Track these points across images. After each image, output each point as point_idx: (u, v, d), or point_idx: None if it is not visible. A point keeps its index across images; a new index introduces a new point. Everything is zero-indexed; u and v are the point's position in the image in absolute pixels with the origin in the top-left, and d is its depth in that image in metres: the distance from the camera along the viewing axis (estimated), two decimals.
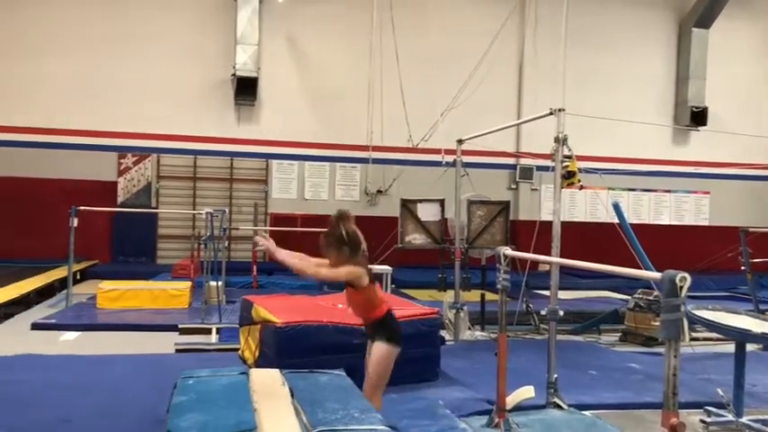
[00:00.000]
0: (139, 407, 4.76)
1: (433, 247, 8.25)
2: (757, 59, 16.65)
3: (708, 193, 16.61)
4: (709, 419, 4.89)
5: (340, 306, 6.16)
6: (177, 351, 6.97)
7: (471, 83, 12.38)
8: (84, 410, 4.69)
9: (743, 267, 8.10)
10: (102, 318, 8.57)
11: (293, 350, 5.18)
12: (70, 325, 8.05)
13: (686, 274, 2.83)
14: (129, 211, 13.26)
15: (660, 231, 15.57)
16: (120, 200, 14.03)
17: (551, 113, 5.34)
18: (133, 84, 13.81)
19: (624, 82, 15.60)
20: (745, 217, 15.07)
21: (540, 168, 14.58)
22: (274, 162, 14.64)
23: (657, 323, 7.19)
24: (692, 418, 4.89)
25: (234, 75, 13.83)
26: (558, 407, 5.02)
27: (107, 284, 9.38)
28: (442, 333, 6.99)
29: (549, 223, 5.35)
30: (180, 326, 8.03)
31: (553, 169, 5.35)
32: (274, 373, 4.18)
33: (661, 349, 5.46)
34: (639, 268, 5.91)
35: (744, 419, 4.78)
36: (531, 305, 8.63)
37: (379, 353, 4.03)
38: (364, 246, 4.05)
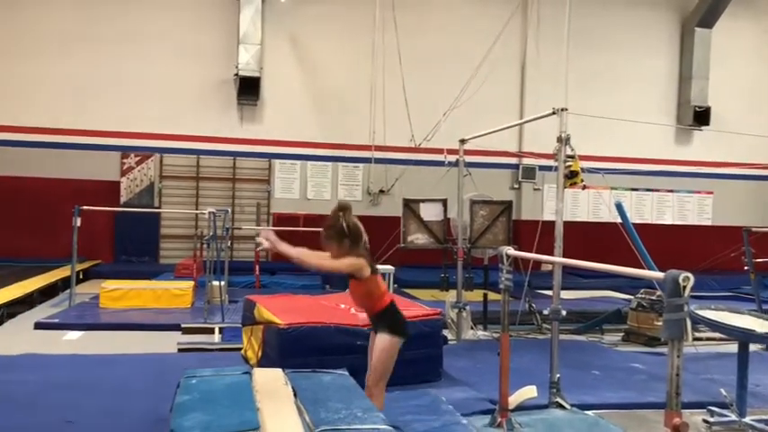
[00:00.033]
0: (142, 406, 4.77)
1: (435, 246, 8.26)
2: (760, 59, 16.62)
3: (711, 192, 16.58)
4: (712, 419, 4.88)
5: (342, 306, 6.17)
6: (180, 351, 6.97)
7: (474, 82, 12.38)
8: (88, 410, 4.70)
9: (746, 267, 8.09)
10: (104, 317, 8.58)
11: (296, 351, 5.18)
12: (73, 324, 8.06)
13: (689, 274, 2.82)
14: (132, 211, 13.27)
15: (663, 231, 15.55)
16: (122, 199, 14.04)
17: (554, 113, 5.34)
18: (136, 84, 13.83)
19: (627, 82, 15.58)
20: (748, 217, 15.04)
21: (542, 168, 14.58)
22: (277, 162, 14.65)
23: (660, 323, 7.16)
24: (695, 417, 4.88)
25: (236, 74, 13.84)
26: (561, 407, 5.02)
27: (110, 284, 9.39)
28: (445, 333, 6.99)
29: (552, 223, 5.35)
30: (183, 325, 8.03)
31: (556, 169, 5.34)
32: (277, 373, 4.18)
33: (664, 349, 5.45)
34: (642, 268, 5.90)
35: (747, 419, 4.78)
36: (533, 305, 8.62)
37: (383, 344, 4.04)
38: (365, 237, 4.07)
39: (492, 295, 8.26)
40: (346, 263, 3.96)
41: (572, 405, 5.05)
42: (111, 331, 7.93)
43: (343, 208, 4.11)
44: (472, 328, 8.06)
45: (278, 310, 5.76)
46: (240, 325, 6.79)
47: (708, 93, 15.93)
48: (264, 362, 5.50)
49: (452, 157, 8.12)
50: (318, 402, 3.58)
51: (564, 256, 4.99)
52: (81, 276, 11.84)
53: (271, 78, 14.32)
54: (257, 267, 11.83)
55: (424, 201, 8.30)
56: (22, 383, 5.28)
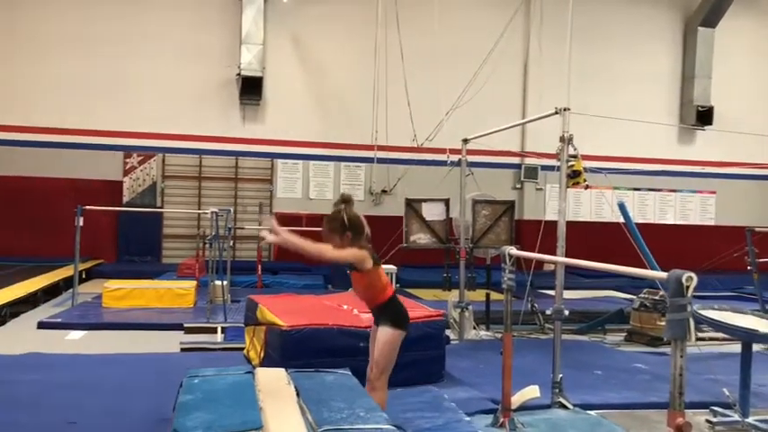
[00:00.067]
0: (145, 406, 4.77)
1: (437, 246, 8.25)
2: (763, 58, 16.59)
3: (714, 192, 16.56)
4: (714, 419, 4.87)
5: (345, 307, 6.16)
6: (182, 350, 6.97)
7: (476, 82, 12.38)
8: (90, 409, 4.70)
9: (749, 267, 8.08)
10: (107, 317, 8.59)
11: (298, 353, 5.17)
12: (76, 324, 8.07)
13: (692, 274, 2.82)
14: (135, 211, 13.30)
15: (666, 231, 15.53)
16: (125, 199, 14.07)
17: (556, 113, 5.33)
18: (139, 83, 13.85)
19: (630, 81, 15.57)
20: (751, 216, 15.03)
21: (544, 168, 14.59)
22: (279, 161, 14.66)
23: (663, 323, 7.17)
24: (698, 418, 4.87)
25: (239, 74, 13.85)
26: (563, 406, 5.02)
27: (113, 284, 9.40)
28: (447, 332, 6.98)
29: (554, 223, 5.34)
30: (185, 325, 8.03)
31: (558, 169, 5.34)
32: (280, 373, 4.18)
33: (666, 349, 5.44)
34: (645, 268, 5.89)
35: (750, 419, 4.77)
36: (536, 305, 8.61)
37: (385, 337, 4.05)
38: (367, 230, 4.07)
39: (494, 295, 8.25)
40: (349, 253, 3.96)
41: (574, 405, 5.04)
42: (113, 331, 7.94)
43: (345, 200, 4.12)
44: (475, 328, 8.05)
45: (280, 311, 5.76)
46: (243, 325, 6.79)
47: (711, 92, 15.92)
48: (267, 363, 5.49)
49: (455, 157, 8.12)
50: (321, 402, 3.58)
51: (566, 256, 4.98)
52: (84, 276, 11.87)
53: (273, 78, 14.33)
54: (260, 267, 11.84)
55: (426, 200, 8.28)
56: (25, 383, 5.29)
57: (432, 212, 8.18)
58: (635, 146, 15.25)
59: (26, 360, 6.13)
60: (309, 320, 5.52)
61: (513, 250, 4.53)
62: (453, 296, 8.00)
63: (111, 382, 5.43)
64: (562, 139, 5.28)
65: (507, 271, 4.52)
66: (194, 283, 9.79)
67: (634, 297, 8.92)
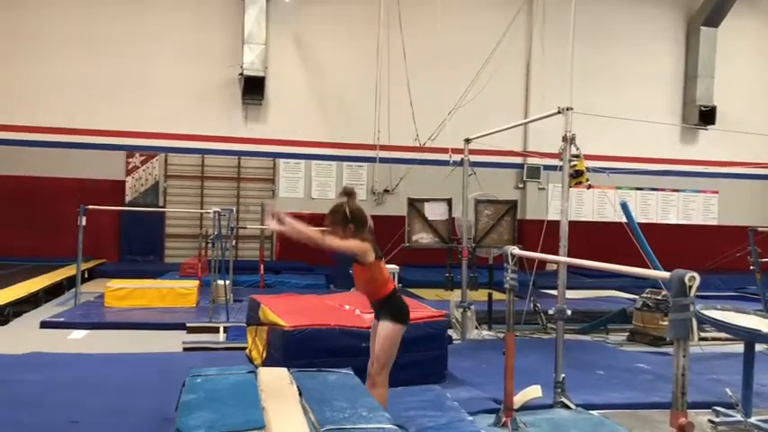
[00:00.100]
0: (147, 405, 4.77)
1: (440, 246, 8.24)
2: (766, 58, 16.57)
3: (716, 192, 16.54)
4: (717, 419, 4.86)
5: (347, 307, 6.16)
6: (185, 350, 6.99)
7: (479, 81, 12.37)
8: (93, 409, 4.70)
9: (752, 267, 8.06)
10: (110, 316, 8.60)
11: (300, 353, 5.17)
12: (78, 323, 8.08)
13: (695, 274, 2.81)
14: (137, 210, 13.31)
15: (668, 231, 15.52)
16: (128, 199, 14.08)
17: (559, 112, 5.32)
18: (141, 83, 13.87)
19: (632, 81, 15.55)
20: (754, 216, 15.01)
21: (547, 167, 14.58)
22: (281, 161, 14.67)
23: (665, 323, 7.15)
24: (701, 418, 4.87)
25: (241, 74, 13.86)
26: (566, 406, 5.01)
27: (115, 283, 9.41)
28: (449, 332, 6.98)
29: (557, 222, 5.34)
30: (187, 324, 8.04)
31: (561, 168, 5.33)
32: (282, 372, 4.18)
33: (669, 349, 5.43)
34: (648, 268, 5.88)
35: (752, 420, 4.76)
36: (538, 304, 8.61)
37: (385, 331, 4.06)
38: (370, 222, 4.09)
39: (497, 295, 8.26)
40: (351, 244, 3.97)
41: (577, 405, 5.04)
42: (116, 330, 7.96)
43: (348, 193, 4.13)
44: (477, 328, 8.05)
45: (282, 311, 5.76)
46: (245, 324, 6.79)
47: (713, 92, 15.91)
48: (269, 363, 5.50)
49: (457, 157, 8.11)
50: (323, 401, 3.58)
51: (569, 256, 4.97)
52: (86, 275, 11.88)
53: (275, 78, 14.34)
54: (262, 267, 11.84)
55: (428, 200, 8.28)
56: (27, 382, 5.30)
57: (434, 212, 8.17)
58: (637, 145, 15.24)
59: (29, 359, 6.14)
60: (311, 321, 5.52)
61: (516, 250, 4.53)
62: (456, 296, 8.00)
63: (114, 382, 5.44)
64: (564, 139, 5.27)
65: (510, 271, 4.52)
66: (197, 282, 9.80)
67: (636, 297, 8.91)
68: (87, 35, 13.74)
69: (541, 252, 5.20)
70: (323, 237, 3.92)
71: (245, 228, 13.07)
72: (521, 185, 15.44)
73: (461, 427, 4.40)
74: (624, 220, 7.45)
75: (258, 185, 14.55)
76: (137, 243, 13.99)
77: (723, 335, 6.87)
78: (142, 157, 14.18)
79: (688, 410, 2.88)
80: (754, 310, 5.50)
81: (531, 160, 14.83)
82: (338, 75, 14.64)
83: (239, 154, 14.44)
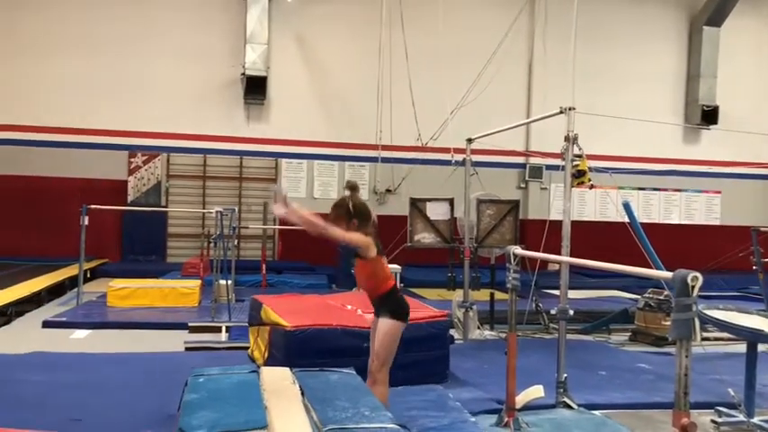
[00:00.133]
0: (150, 404, 4.77)
1: (442, 246, 8.24)
2: None
3: (719, 192, 16.52)
4: (720, 420, 4.86)
5: (349, 307, 6.16)
6: (187, 349, 6.99)
7: (481, 81, 12.36)
8: (95, 408, 4.71)
9: (754, 267, 8.04)
10: (112, 316, 8.61)
11: (302, 353, 5.17)
12: (81, 323, 8.09)
13: (698, 274, 2.81)
14: (140, 210, 13.32)
15: (671, 231, 15.50)
16: (130, 198, 14.10)
17: (561, 112, 5.32)
18: (143, 83, 13.88)
19: (634, 80, 15.54)
20: (756, 216, 14.99)
21: (549, 167, 14.56)
22: (284, 161, 14.68)
23: (668, 323, 7.16)
24: (703, 418, 4.86)
25: (243, 74, 13.87)
26: (568, 406, 5.01)
27: (117, 283, 9.42)
28: (451, 332, 6.98)
29: (559, 222, 5.33)
30: (190, 324, 8.04)
31: (563, 168, 5.33)
32: (285, 372, 4.19)
33: (671, 349, 5.42)
34: (650, 268, 5.88)
35: (755, 420, 4.75)
36: (540, 304, 8.61)
37: (385, 328, 4.06)
38: (374, 217, 4.09)
39: (499, 295, 8.24)
40: (354, 236, 3.98)
41: (579, 405, 5.03)
42: (118, 330, 7.97)
43: (351, 188, 4.14)
44: (479, 328, 8.04)
45: (284, 311, 5.76)
46: (247, 324, 6.79)
47: (716, 92, 15.89)
48: (271, 363, 5.49)
49: (459, 157, 8.11)
50: (326, 401, 3.59)
51: (571, 256, 4.97)
52: (88, 275, 11.89)
53: (277, 78, 14.35)
54: (264, 266, 11.85)
55: (430, 200, 8.28)
56: (29, 382, 5.30)
57: (436, 212, 8.17)
58: (640, 145, 15.22)
59: (31, 359, 6.15)
60: (313, 321, 5.52)
61: (518, 250, 4.53)
62: (457, 296, 7.99)
63: (116, 382, 5.44)
64: (567, 139, 5.27)
65: (512, 270, 4.51)
66: (199, 282, 9.80)
67: (639, 297, 8.90)
68: (89, 35, 13.76)
69: (544, 252, 5.21)
70: (325, 225, 3.92)
71: (247, 227, 13.07)
72: (523, 185, 15.44)
73: (464, 427, 4.40)
74: (626, 219, 7.44)
75: (260, 185, 14.55)
76: (139, 243, 14.00)
77: (726, 335, 6.86)
78: (144, 157, 14.19)
79: (690, 411, 2.88)
80: (756, 310, 5.49)
81: (534, 160, 14.82)
82: (340, 74, 14.64)
83: (241, 154, 14.45)
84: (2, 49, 13.64)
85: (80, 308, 9.07)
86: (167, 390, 4.70)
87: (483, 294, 8.40)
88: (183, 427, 3.15)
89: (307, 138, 14.59)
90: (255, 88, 13.91)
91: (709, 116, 15.67)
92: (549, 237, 5.99)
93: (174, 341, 7.24)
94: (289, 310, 5.86)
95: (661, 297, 7.94)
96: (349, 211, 4.01)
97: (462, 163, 7.97)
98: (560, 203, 5.50)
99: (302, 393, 3.74)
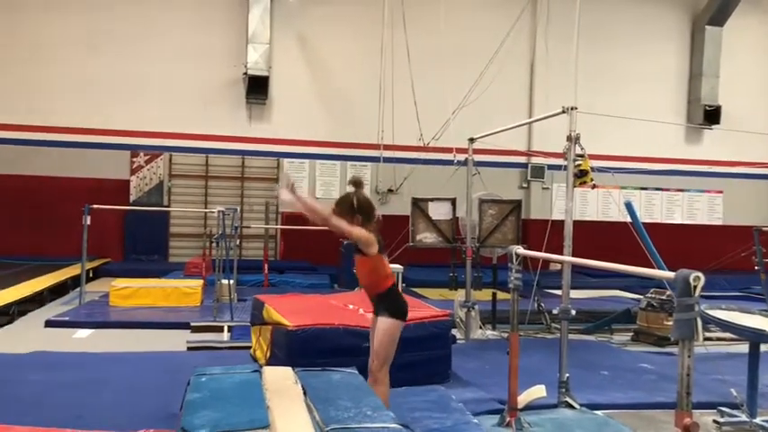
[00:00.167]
0: (152, 404, 4.78)
1: (444, 245, 8.24)
2: None
3: (721, 192, 16.50)
4: (722, 420, 4.85)
5: (351, 307, 6.16)
6: (189, 349, 7.00)
7: (483, 81, 12.35)
8: (97, 408, 4.72)
9: (756, 267, 8.04)
10: (114, 315, 8.62)
11: (305, 353, 5.17)
12: (83, 322, 8.11)
13: (700, 274, 2.81)
14: (142, 210, 13.35)
15: (673, 230, 15.49)
16: (132, 198, 14.11)
17: (563, 112, 5.32)
18: (145, 83, 13.90)
19: (637, 80, 15.53)
20: (759, 216, 14.98)
21: (551, 167, 14.56)
22: (285, 161, 14.68)
23: (670, 323, 7.14)
24: (705, 418, 4.86)
25: (245, 74, 13.88)
26: (570, 406, 5.01)
27: (120, 282, 9.43)
28: (453, 332, 6.98)
29: (561, 222, 5.33)
30: (192, 324, 8.05)
31: (565, 168, 5.32)
32: (287, 371, 4.19)
33: (673, 349, 5.42)
34: (652, 268, 5.87)
35: (757, 420, 4.75)
36: (542, 304, 8.60)
37: (384, 327, 4.07)
38: (378, 214, 4.09)
39: (501, 294, 8.24)
40: (357, 230, 3.98)
41: (581, 405, 5.03)
42: (120, 329, 7.97)
43: (356, 184, 4.14)
44: (481, 328, 8.04)
45: (286, 310, 5.76)
46: (249, 324, 6.80)
47: (718, 91, 15.87)
48: (273, 362, 5.49)
49: (461, 156, 8.10)
50: (328, 401, 3.59)
51: (573, 256, 4.97)
52: (91, 275, 11.91)
53: (279, 77, 14.35)
54: (266, 266, 11.86)
55: (432, 200, 8.28)
56: (32, 381, 5.31)
57: (438, 212, 8.17)
58: (642, 145, 15.21)
59: (33, 358, 6.16)
60: (315, 320, 5.52)
61: (520, 249, 4.52)
62: (459, 295, 8.00)
63: (119, 381, 5.45)
64: (569, 139, 5.26)
65: (514, 270, 4.51)
66: (201, 281, 9.81)
67: (641, 297, 8.90)
68: (91, 36, 13.78)
69: (546, 252, 5.20)
70: (330, 214, 3.93)
71: (249, 227, 13.08)
72: (525, 185, 15.43)
73: (466, 429, 4.39)
74: (629, 219, 7.44)
75: (262, 185, 14.56)
76: (141, 242, 14.02)
77: (728, 335, 6.86)
78: (146, 157, 14.21)
79: (693, 411, 2.88)
80: (759, 310, 5.48)
81: (536, 160, 14.82)
82: (342, 74, 14.64)
83: (243, 153, 14.46)
84: (5, 50, 13.65)
85: (82, 307, 9.09)
86: (170, 389, 4.71)
87: (485, 294, 8.40)
88: (185, 427, 3.15)
89: (309, 137, 14.59)
90: (257, 88, 13.92)
91: (712, 116, 15.65)
92: (552, 236, 5.99)
93: (176, 341, 7.24)
94: (291, 309, 5.86)
95: (663, 297, 7.93)
96: (353, 206, 4.02)
97: (464, 163, 7.97)
98: (562, 203, 5.49)
99: (304, 393, 3.74)
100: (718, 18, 15.76)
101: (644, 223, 7.86)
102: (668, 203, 16.34)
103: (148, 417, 4.49)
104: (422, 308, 6.22)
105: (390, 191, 14.66)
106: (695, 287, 2.80)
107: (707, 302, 5.36)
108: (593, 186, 5.55)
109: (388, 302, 4.12)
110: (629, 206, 7.82)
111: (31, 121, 13.62)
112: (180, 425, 3.23)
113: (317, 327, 5.41)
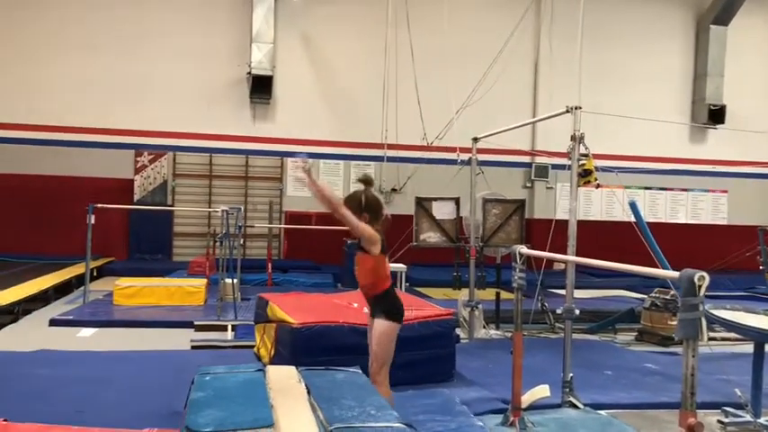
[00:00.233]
0: (156, 403, 4.79)
1: (447, 245, 8.24)
2: None
3: (726, 191, 16.46)
4: (726, 420, 4.85)
5: (355, 305, 6.17)
6: (193, 348, 7.01)
7: (486, 80, 12.34)
8: (101, 406, 4.73)
9: (761, 267, 8.03)
10: (118, 314, 8.64)
11: (309, 350, 5.18)
12: (87, 321, 8.12)
13: (705, 273, 2.80)
14: (146, 209, 13.37)
15: (677, 230, 15.46)
16: (136, 197, 14.14)
17: (567, 111, 5.31)
18: (149, 82, 13.92)
19: (641, 79, 15.49)
20: (763, 216, 14.93)
21: (555, 167, 14.54)
22: (289, 160, 14.68)
23: (674, 322, 7.14)
24: (710, 418, 4.84)
25: (249, 73, 13.89)
26: (574, 406, 5.01)
27: (124, 281, 9.45)
28: (457, 331, 6.98)
29: (565, 222, 5.33)
30: (195, 323, 8.06)
31: (569, 167, 5.32)
32: (291, 371, 4.18)
33: (677, 349, 5.41)
34: (656, 267, 5.86)
35: (762, 420, 4.74)
36: (546, 304, 8.60)
37: (380, 329, 4.08)
38: (386, 212, 4.10)
39: (504, 294, 8.24)
40: (363, 226, 3.98)
41: (585, 404, 5.03)
42: (124, 328, 7.99)
43: (365, 182, 4.14)
44: (484, 327, 8.04)
45: (291, 308, 5.77)
46: (253, 323, 6.81)
47: (723, 91, 15.83)
48: (277, 360, 5.50)
49: (465, 156, 8.11)
50: (332, 400, 3.58)
51: (577, 255, 4.97)
52: (95, 274, 11.94)
53: (283, 77, 14.36)
54: (270, 265, 11.87)
55: (436, 199, 8.27)
56: (36, 379, 5.33)
57: (442, 211, 8.17)
58: (646, 145, 15.18)
59: (38, 357, 6.18)
60: (320, 318, 5.53)
61: (524, 249, 4.52)
62: (463, 295, 7.99)
63: (122, 379, 5.46)
64: (573, 138, 5.26)
65: (518, 270, 4.51)
66: (205, 281, 9.83)
67: (645, 296, 8.88)
68: (95, 35, 13.80)
69: (550, 251, 5.20)
70: (339, 203, 3.95)
71: (253, 226, 13.09)
72: (529, 185, 15.41)
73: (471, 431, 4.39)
74: (633, 219, 7.43)
75: (266, 184, 14.58)
76: (145, 241, 14.05)
77: (732, 335, 6.84)
78: (150, 156, 14.23)
79: (697, 411, 2.87)
80: (763, 310, 5.46)
81: (540, 159, 14.80)
82: (346, 74, 14.64)
83: (247, 153, 14.47)
84: (8, 50, 13.68)
85: (87, 306, 9.11)
86: (174, 388, 4.72)
87: (489, 294, 8.39)
88: (189, 425, 3.15)
89: (312, 137, 14.58)
90: (261, 87, 13.93)
91: (716, 115, 15.61)
92: (555, 236, 5.97)
93: (180, 339, 7.26)
94: (295, 307, 5.87)
95: (667, 297, 7.92)
96: (360, 204, 4.02)
97: (468, 162, 7.97)
98: (566, 203, 5.49)
99: (308, 392, 3.74)
100: (723, 17, 15.71)
101: (648, 223, 7.85)
102: (672, 203, 16.31)
103: (152, 415, 4.50)
104: (426, 306, 6.22)
105: (394, 190, 14.66)
106: (700, 287, 2.79)
107: (711, 302, 5.35)
108: (598, 186, 5.54)
109: (385, 304, 4.12)
110: (633, 206, 7.80)
111: (34, 121, 13.65)
112: (184, 423, 3.23)
113: (322, 324, 5.41)
